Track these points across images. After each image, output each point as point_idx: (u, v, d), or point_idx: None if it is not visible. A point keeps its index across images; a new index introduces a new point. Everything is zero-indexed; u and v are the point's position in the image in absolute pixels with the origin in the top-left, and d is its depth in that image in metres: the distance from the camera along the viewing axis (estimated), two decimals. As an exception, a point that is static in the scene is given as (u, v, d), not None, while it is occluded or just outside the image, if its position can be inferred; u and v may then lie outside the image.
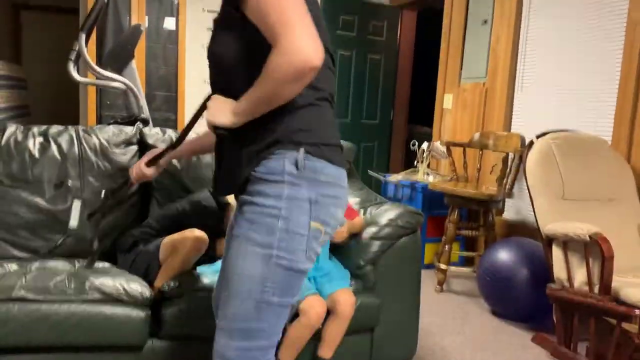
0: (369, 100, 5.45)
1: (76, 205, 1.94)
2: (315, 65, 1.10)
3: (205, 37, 4.87)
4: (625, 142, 2.95)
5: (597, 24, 3.18)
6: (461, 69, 4.37)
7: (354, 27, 5.20)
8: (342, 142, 2.90)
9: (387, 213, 2.31)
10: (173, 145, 1.63)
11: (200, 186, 2.54)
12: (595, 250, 2.29)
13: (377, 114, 5.54)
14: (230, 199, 2.31)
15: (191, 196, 2.40)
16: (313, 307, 1.98)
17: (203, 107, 1.35)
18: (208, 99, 1.34)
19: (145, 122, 3.05)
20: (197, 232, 2.06)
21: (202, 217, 2.24)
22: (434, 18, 5.01)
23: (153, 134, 2.58)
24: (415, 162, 4.25)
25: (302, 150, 1.24)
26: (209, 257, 2.17)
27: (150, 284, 2.05)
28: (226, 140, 1.33)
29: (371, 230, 2.27)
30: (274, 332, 1.31)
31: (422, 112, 5.74)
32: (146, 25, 4.49)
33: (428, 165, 4.25)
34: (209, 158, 2.58)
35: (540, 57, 3.62)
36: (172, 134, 2.61)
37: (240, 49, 1.27)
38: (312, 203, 1.25)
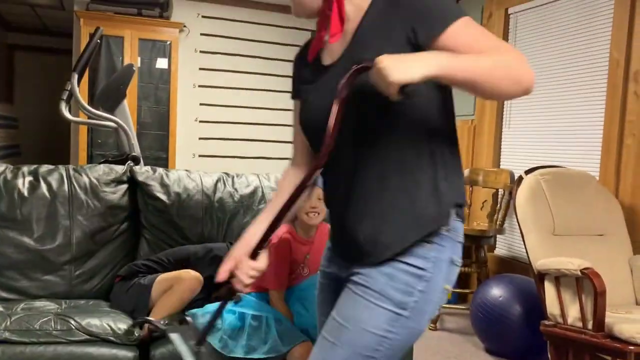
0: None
1: (176, 338, 1.57)
2: (532, 87, 1.06)
3: (197, 77, 4.97)
4: (612, 178, 2.99)
5: (581, 63, 3.26)
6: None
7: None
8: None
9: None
10: (272, 227, 1.23)
11: (191, 224, 2.54)
12: (588, 285, 2.29)
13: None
14: None
15: (207, 244, 2.43)
16: (302, 356, 1.92)
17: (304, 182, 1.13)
18: (360, 71, 1.05)
19: (136, 161, 3.06)
20: (194, 273, 2.10)
21: (210, 265, 2.25)
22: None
23: (143, 172, 2.58)
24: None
25: (453, 212, 1.20)
26: (200, 300, 2.16)
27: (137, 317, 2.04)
28: (378, 202, 1.17)
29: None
30: None
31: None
32: (139, 65, 4.55)
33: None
34: (198, 196, 2.58)
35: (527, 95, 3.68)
36: (162, 172, 2.61)
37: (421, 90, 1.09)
38: (450, 264, 1.21)
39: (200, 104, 4.99)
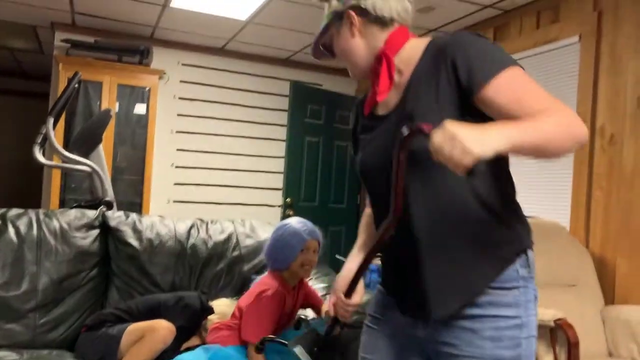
0: (337, 184, 5.54)
1: (299, 351, 1.66)
2: (586, 139, 1.06)
3: (175, 123, 4.99)
4: (582, 229, 3.04)
5: (549, 117, 3.38)
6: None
7: (322, 116, 5.38)
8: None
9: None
10: (366, 262, 1.24)
11: (162, 272, 2.50)
12: (561, 336, 2.29)
13: (345, 198, 5.61)
14: (216, 304, 2.29)
15: (178, 292, 2.39)
16: None
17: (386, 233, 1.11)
18: (414, 133, 1.02)
19: (109, 206, 3.02)
20: (165, 324, 2.07)
21: (181, 315, 2.20)
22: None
23: (116, 217, 2.55)
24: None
25: (529, 249, 1.20)
26: (170, 351, 2.10)
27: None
28: (453, 246, 1.14)
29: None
30: None
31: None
32: (116, 110, 4.55)
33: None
34: (171, 243, 2.54)
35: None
36: (135, 217, 2.58)
37: None
38: (535, 300, 1.20)
39: (177, 150, 4.99)
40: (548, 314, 2.35)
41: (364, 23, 1.27)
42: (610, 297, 2.84)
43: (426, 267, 1.16)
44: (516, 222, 1.19)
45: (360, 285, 1.30)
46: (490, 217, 1.15)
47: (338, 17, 1.30)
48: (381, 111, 1.29)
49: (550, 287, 2.74)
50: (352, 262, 1.35)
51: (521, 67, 1.13)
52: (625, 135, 2.86)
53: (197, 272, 2.57)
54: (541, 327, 2.39)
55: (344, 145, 5.57)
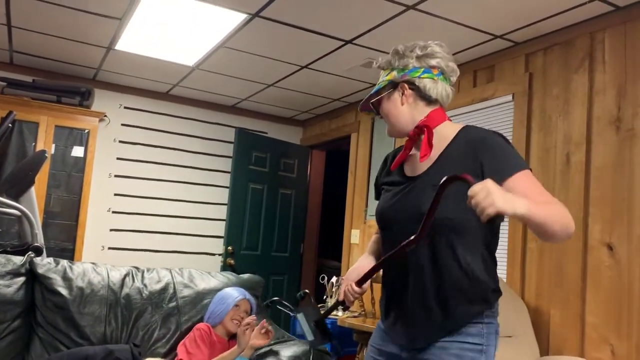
0: (280, 233, 5.49)
1: (301, 318, 1.84)
2: (573, 232, 1.36)
3: (114, 167, 4.86)
4: (518, 280, 3.13)
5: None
6: (367, 206, 4.58)
7: (266, 163, 5.38)
8: (250, 276, 2.90)
9: (291, 348, 2.24)
10: (380, 264, 1.54)
11: (93, 323, 2.36)
12: (499, 388, 2.30)
13: (288, 247, 5.56)
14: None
15: (108, 346, 2.28)
16: None
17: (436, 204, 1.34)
18: (452, 180, 1.30)
19: (38, 252, 2.85)
20: None
21: None
22: (342, 158, 5.32)
23: (45, 263, 2.41)
24: (325, 297, 4.22)
25: (496, 296, 1.50)
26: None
27: None
28: (441, 293, 1.46)
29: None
30: None
31: (331, 246, 5.84)
32: (52, 152, 4.39)
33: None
34: (103, 292, 2.42)
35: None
36: (65, 264, 2.45)
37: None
38: (496, 334, 1.51)
39: (115, 194, 4.83)
40: (486, 365, 2.37)
41: (414, 96, 1.55)
42: (545, 347, 2.91)
43: (432, 310, 1.47)
44: (489, 272, 1.50)
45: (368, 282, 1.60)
46: (480, 271, 1.47)
47: (393, 85, 1.57)
48: (409, 172, 1.58)
49: (489, 338, 2.77)
50: (365, 260, 1.67)
51: (530, 169, 1.46)
52: (555, 190, 3.00)
53: (130, 323, 2.45)
54: (480, 379, 2.40)
55: (289, 193, 5.57)
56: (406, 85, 1.55)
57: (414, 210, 1.46)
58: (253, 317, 2.40)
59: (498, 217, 1.22)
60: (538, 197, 1.36)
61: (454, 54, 3.54)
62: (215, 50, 3.84)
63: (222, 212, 5.23)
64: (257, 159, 5.29)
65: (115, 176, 4.86)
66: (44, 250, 3.15)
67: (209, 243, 5.22)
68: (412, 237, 1.39)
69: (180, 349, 2.37)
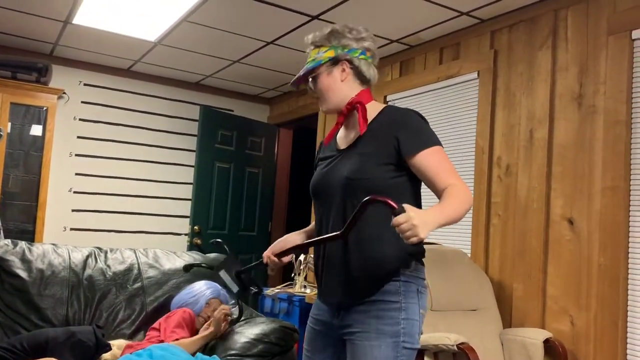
0: (247, 212, 5.46)
1: (223, 274, 1.99)
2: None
3: (75, 146, 4.72)
4: (482, 255, 3.19)
5: (451, 149, 3.54)
6: (334, 184, 4.58)
7: (233, 142, 5.31)
8: (217, 255, 2.87)
9: (259, 326, 2.23)
10: (305, 245, 1.72)
11: (54, 305, 2.30)
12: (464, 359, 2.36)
13: (255, 226, 5.54)
14: (114, 343, 2.19)
15: (70, 327, 2.23)
16: None
17: (361, 211, 1.46)
18: (380, 203, 1.41)
19: (-6, 234, 2.76)
20: None
21: (73, 351, 2.02)
22: (309, 136, 5.29)
23: (2, 245, 2.33)
24: (293, 275, 4.23)
25: (415, 257, 1.60)
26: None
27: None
28: (361, 252, 1.58)
29: (241, 347, 2.15)
30: None
31: (299, 225, 5.83)
32: (9, 130, 4.22)
33: (305, 278, 4.24)
34: (65, 273, 2.36)
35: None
36: (24, 246, 2.37)
37: (391, 181, 1.60)
38: (418, 293, 1.59)
39: (76, 174, 4.70)
40: (451, 338, 2.42)
41: (352, 75, 1.70)
42: (508, 319, 2.98)
43: (348, 269, 1.60)
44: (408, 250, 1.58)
45: (288, 256, 1.78)
46: (387, 242, 1.57)
47: (333, 62, 1.69)
48: (341, 146, 1.72)
49: (453, 312, 2.83)
50: (294, 236, 1.84)
51: (442, 145, 1.64)
52: (519, 167, 3.06)
53: (94, 305, 2.40)
54: (444, 352, 2.45)
55: (256, 172, 5.53)
56: (347, 63, 1.69)
57: (339, 176, 1.63)
58: (228, 307, 2.43)
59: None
60: (444, 174, 1.55)
61: (420, 31, 3.55)
62: (177, 25, 3.74)
63: (188, 191, 5.16)
64: (223, 137, 5.21)
65: (76, 155, 4.72)
66: (2, 232, 3.05)
67: (175, 223, 5.15)
68: (338, 232, 1.51)
69: (163, 328, 2.34)
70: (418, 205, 1.67)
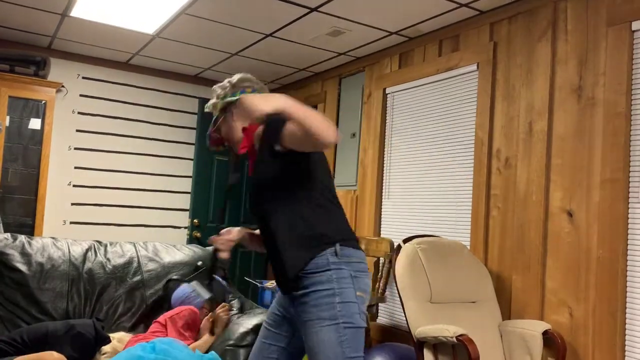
0: (246, 205, 5.46)
1: (195, 285, 2.16)
2: (332, 141, 1.53)
3: (74, 139, 4.71)
4: (481, 247, 3.20)
5: (451, 141, 3.54)
6: (334, 177, 4.58)
7: (231, 135, 5.30)
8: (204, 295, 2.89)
9: (257, 317, 2.24)
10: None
11: (54, 299, 2.31)
12: (463, 351, 2.37)
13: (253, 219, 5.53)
14: (113, 337, 2.18)
15: (70, 320, 2.22)
16: None
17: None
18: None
19: (-7, 227, 2.76)
20: (57, 355, 1.87)
21: (73, 344, 2.03)
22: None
23: (1, 239, 2.33)
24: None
25: (337, 244, 1.71)
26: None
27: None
28: (279, 239, 1.73)
29: (239, 337, 2.17)
30: None
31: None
32: (7, 124, 4.22)
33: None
34: (64, 267, 2.36)
35: (403, 168, 3.91)
36: (24, 240, 2.37)
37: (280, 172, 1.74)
38: (352, 278, 1.70)
39: (76, 167, 4.70)
40: (450, 330, 2.43)
41: (237, 111, 1.86)
42: (507, 312, 2.99)
43: (278, 253, 1.75)
44: (325, 229, 1.73)
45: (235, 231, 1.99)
46: (305, 227, 1.72)
47: (224, 111, 1.91)
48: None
49: (453, 304, 2.83)
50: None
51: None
52: (518, 159, 3.05)
53: (94, 299, 2.40)
54: (444, 344, 2.46)
55: (254, 165, 5.52)
56: (231, 107, 1.89)
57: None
58: (226, 305, 2.44)
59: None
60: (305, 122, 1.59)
61: (419, 23, 3.54)
62: (176, 18, 3.72)
63: (187, 184, 5.15)
64: (222, 130, 5.20)
65: (75, 149, 4.72)
66: (1, 225, 3.05)
67: (175, 216, 5.16)
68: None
69: (169, 327, 2.33)
70: (316, 193, 1.81)
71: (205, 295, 2.05)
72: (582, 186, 2.72)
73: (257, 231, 1.97)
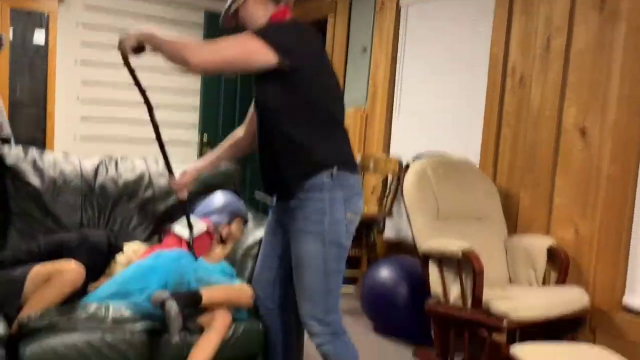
0: (255, 122, 5.43)
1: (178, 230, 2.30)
2: (192, 66, 1.71)
3: (80, 53, 4.61)
4: (491, 165, 3.19)
5: (465, 57, 3.43)
6: (343, 93, 4.50)
7: (239, 49, 5.18)
8: (226, 163, 2.88)
9: (259, 231, 2.29)
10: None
11: (68, 211, 2.36)
12: (468, 266, 2.43)
13: (263, 136, 5.53)
14: (127, 247, 2.22)
15: (84, 230, 2.27)
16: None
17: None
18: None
19: (5, 141, 2.78)
20: (75, 265, 1.93)
21: (88, 254, 2.08)
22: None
23: (14, 153, 2.35)
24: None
25: (335, 167, 1.77)
26: (79, 294, 2.00)
27: (6, 315, 1.85)
28: (278, 157, 1.81)
29: (247, 247, 2.26)
30: (340, 291, 1.88)
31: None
32: (11, 38, 4.13)
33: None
34: (77, 182, 2.39)
35: (415, 85, 3.83)
36: (35, 154, 2.39)
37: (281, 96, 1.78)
38: (345, 200, 1.79)
39: (83, 82, 4.65)
40: (455, 245, 2.47)
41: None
42: (513, 228, 3.04)
43: (271, 171, 1.87)
44: (318, 149, 1.78)
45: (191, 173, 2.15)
46: (298, 145, 1.77)
47: None
48: None
49: (459, 220, 2.87)
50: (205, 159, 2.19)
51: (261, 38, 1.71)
52: (533, 76, 2.97)
53: (107, 212, 2.45)
54: (449, 258, 2.52)
55: (263, 81, 5.43)
56: None
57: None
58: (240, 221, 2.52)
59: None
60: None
61: None
62: None
63: (196, 100, 5.10)
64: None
65: (82, 64, 4.64)
66: (12, 140, 3.08)
67: (184, 132, 5.15)
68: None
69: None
70: (314, 118, 1.83)
71: (185, 235, 2.21)
72: (598, 103, 2.66)
73: (219, 150, 2.14)
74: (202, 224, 2.34)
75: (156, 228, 2.51)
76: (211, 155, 2.18)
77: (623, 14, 2.56)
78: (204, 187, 2.55)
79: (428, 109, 3.72)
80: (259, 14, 1.85)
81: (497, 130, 3.17)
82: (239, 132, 2.14)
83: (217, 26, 5.33)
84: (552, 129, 2.86)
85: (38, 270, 1.94)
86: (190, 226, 2.23)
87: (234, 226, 2.45)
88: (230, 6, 1.87)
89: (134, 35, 1.78)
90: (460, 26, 3.47)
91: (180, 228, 2.29)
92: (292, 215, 1.81)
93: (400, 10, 3.93)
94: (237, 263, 2.27)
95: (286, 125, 1.78)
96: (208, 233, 2.37)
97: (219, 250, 2.36)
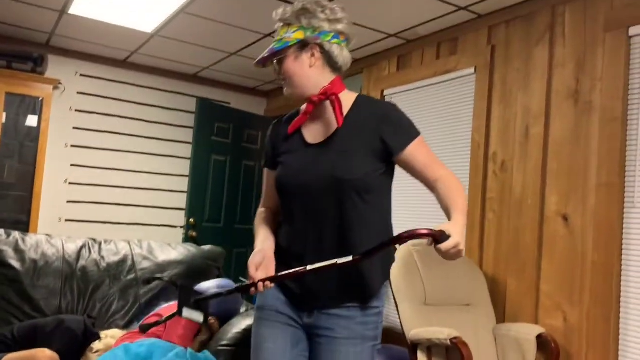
0: (243, 205, 5.45)
1: (187, 313, 1.88)
2: None
3: (71, 136, 4.70)
4: (476, 250, 3.19)
5: (448, 144, 3.54)
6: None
7: (229, 135, 5.30)
8: (211, 247, 2.85)
9: (251, 318, 2.23)
10: (304, 273, 1.43)
11: (47, 296, 2.30)
12: (456, 354, 2.37)
13: (251, 219, 5.52)
14: (104, 334, 2.15)
15: (60, 316, 2.22)
16: None
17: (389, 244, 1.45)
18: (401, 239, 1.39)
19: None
20: (49, 352, 1.86)
21: (62, 339, 2.01)
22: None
23: (-5, 236, 2.32)
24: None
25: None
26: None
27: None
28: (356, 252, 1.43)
29: (232, 337, 2.17)
30: None
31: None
32: (3, 120, 4.20)
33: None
34: (58, 264, 2.36)
35: (398, 170, 3.89)
36: (17, 236, 2.37)
37: (379, 179, 1.56)
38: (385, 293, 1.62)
39: (72, 165, 4.68)
40: (444, 333, 2.42)
41: (322, 60, 1.55)
42: (501, 315, 2.99)
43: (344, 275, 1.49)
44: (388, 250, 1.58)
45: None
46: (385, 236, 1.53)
47: (302, 45, 1.54)
48: (310, 139, 1.57)
49: (447, 307, 2.83)
50: (266, 243, 1.64)
51: (420, 133, 1.58)
52: (514, 162, 3.06)
53: (87, 296, 2.40)
54: (437, 346, 2.46)
55: (252, 165, 5.52)
56: (317, 48, 1.54)
57: (327, 174, 1.49)
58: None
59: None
60: (433, 165, 1.53)
61: (418, 26, 3.54)
62: (175, 16, 3.72)
63: (184, 184, 5.15)
64: (219, 130, 5.20)
65: (72, 146, 4.71)
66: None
67: (171, 215, 5.15)
68: (352, 258, 1.36)
69: (168, 327, 2.24)
70: (390, 205, 1.65)
71: (200, 319, 1.90)
72: (578, 190, 2.72)
73: (265, 236, 1.69)
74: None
75: (136, 315, 2.44)
76: (267, 233, 1.72)
77: (597, 105, 2.68)
78: (187, 270, 2.52)
79: (411, 193, 3.77)
80: (311, 78, 1.56)
81: (481, 215, 3.21)
82: (269, 214, 1.78)
83: (208, 112, 5.49)
84: (535, 215, 2.90)
85: (11, 358, 1.87)
86: (205, 311, 1.94)
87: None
88: (273, 54, 1.58)
89: (463, 235, 1.40)
90: (442, 114, 3.60)
91: (190, 312, 2.14)
92: (341, 321, 1.51)
93: (384, 99, 4.09)
94: (221, 354, 2.20)
95: (375, 209, 1.58)
96: None
97: (199, 337, 2.30)
